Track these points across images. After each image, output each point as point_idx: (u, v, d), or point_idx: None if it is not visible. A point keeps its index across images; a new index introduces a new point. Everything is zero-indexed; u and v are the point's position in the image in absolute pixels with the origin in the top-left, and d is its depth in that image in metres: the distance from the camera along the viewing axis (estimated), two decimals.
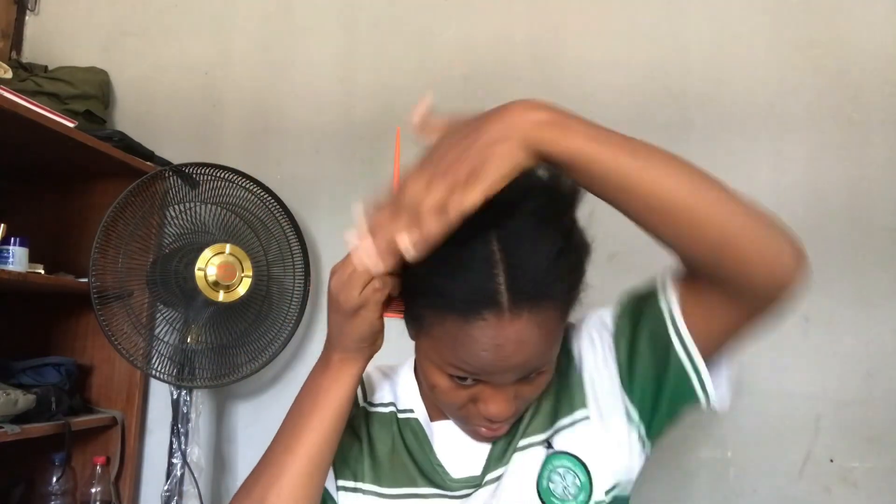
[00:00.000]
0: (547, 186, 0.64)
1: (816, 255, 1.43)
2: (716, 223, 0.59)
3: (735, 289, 0.62)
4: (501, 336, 0.60)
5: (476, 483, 0.74)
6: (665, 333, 0.68)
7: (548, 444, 0.74)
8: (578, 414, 0.74)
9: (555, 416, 0.75)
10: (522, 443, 0.74)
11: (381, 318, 0.66)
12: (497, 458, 0.75)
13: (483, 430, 0.70)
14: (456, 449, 0.76)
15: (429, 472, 0.76)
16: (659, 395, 0.71)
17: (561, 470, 0.72)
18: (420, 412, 0.79)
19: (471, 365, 0.63)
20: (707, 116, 1.50)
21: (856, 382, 1.36)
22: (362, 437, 0.79)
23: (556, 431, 0.74)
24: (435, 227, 0.54)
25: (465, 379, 0.65)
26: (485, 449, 0.75)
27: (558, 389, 0.76)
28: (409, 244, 0.54)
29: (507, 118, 0.59)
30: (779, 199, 1.44)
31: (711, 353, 0.68)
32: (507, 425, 0.71)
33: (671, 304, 0.68)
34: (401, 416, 0.80)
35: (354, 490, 0.76)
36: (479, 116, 0.61)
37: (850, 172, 1.42)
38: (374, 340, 0.68)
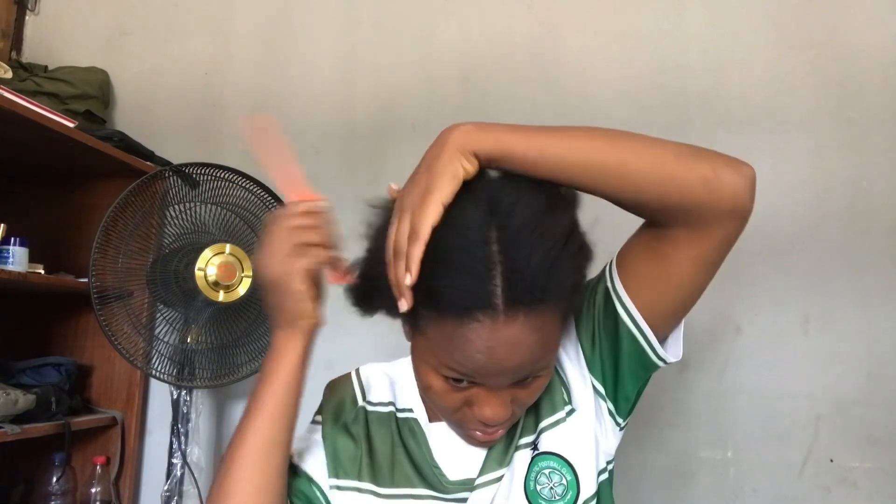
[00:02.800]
0: (546, 191, 0.65)
1: (816, 255, 1.44)
2: (644, 167, 0.63)
3: (686, 222, 0.65)
4: (496, 339, 0.60)
5: (470, 486, 0.74)
6: (613, 308, 0.71)
7: (534, 446, 0.74)
8: (560, 413, 0.75)
9: (538, 417, 0.75)
10: (516, 451, 0.74)
11: (310, 288, 0.67)
12: (494, 462, 0.74)
13: (478, 434, 0.70)
14: (453, 450, 0.76)
15: (426, 473, 0.75)
16: (618, 367, 0.73)
17: (547, 471, 0.72)
18: (419, 412, 0.79)
19: (465, 367, 0.63)
20: (707, 116, 1.50)
21: (856, 383, 1.36)
22: (359, 437, 0.78)
23: (541, 432, 0.74)
24: (414, 251, 0.60)
25: (460, 381, 0.65)
26: (482, 451, 0.75)
27: (544, 392, 0.75)
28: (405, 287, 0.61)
29: (440, 140, 0.65)
30: (779, 199, 1.44)
31: (662, 318, 0.71)
32: (502, 430, 0.71)
33: (615, 281, 0.71)
34: (400, 415, 0.80)
35: (352, 489, 0.76)
36: (422, 159, 0.67)
37: (850, 172, 1.42)
38: (306, 313, 0.68)
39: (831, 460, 1.36)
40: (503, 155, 0.64)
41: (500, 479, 0.73)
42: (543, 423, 0.75)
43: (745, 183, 0.63)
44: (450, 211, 0.62)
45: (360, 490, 0.75)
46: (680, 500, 1.43)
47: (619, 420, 0.77)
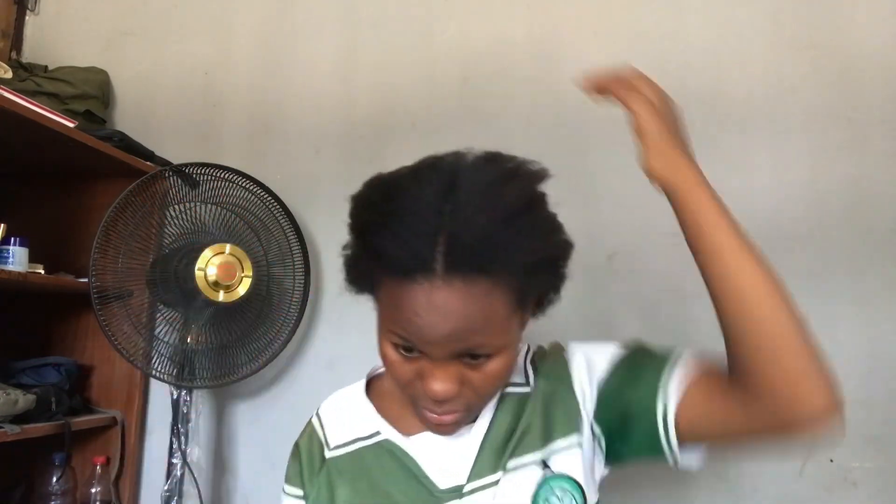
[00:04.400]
0: (510, 168, 0.65)
1: (816, 255, 1.44)
2: (776, 324, 0.64)
3: (756, 393, 0.65)
4: (431, 302, 0.61)
5: (459, 492, 0.73)
6: (651, 407, 0.71)
7: (544, 464, 0.73)
8: (574, 438, 0.74)
9: (549, 435, 0.75)
10: (514, 462, 0.74)
11: None
12: (486, 466, 0.74)
13: (430, 414, 0.70)
14: (439, 458, 0.75)
15: (416, 488, 0.74)
16: (626, 438, 0.74)
17: (559, 492, 0.72)
18: (388, 431, 0.78)
19: (405, 330, 0.64)
20: (707, 116, 1.50)
21: (856, 382, 1.36)
22: (334, 489, 0.78)
23: (554, 452, 0.74)
24: None
25: (409, 350, 0.66)
26: (468, 457, 0.74)
27: (552, 410, 0.76)
28: None
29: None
30: (779, 199, 1.44)
31: (695, 439, 0.71)
32: (455, 415, 0.70)
33: (670, 383, 0.71)
34: (368, 442, 0.78)
35: None
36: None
37: (850, 172, 1.42)
38: None
39: (831, 460, 1.36)
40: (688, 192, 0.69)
41: (496, 483, 0.73)
42: (559, 443, 0.74)
43: (827, 420, 0.64)
44: (412, 178, 0.64)
45: None
46: (680, 500, 1.43)
47: (605, 465, 0.78)
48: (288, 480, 0.82)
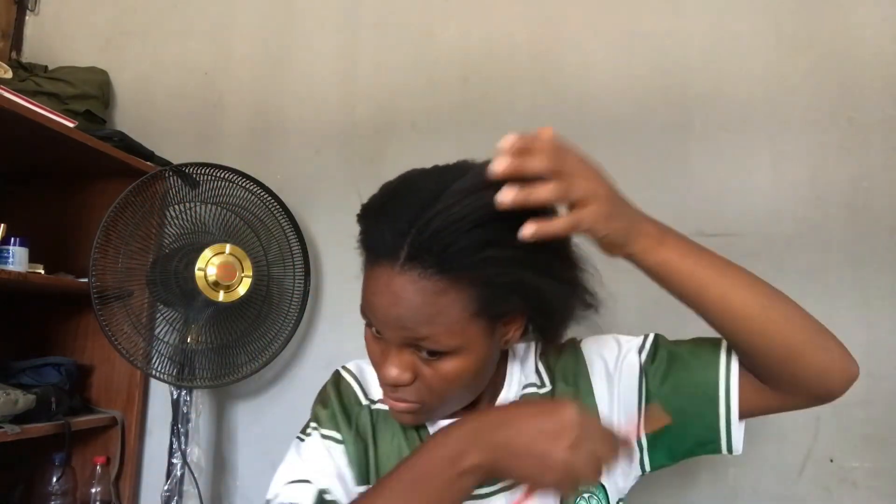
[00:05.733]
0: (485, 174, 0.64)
1: (816, 256, 1.44)
2: (785, 335, 0.67)
3: (790, 388, 0.71)
4: (389, 286, 0.64)
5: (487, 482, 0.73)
6: (713, 394, 0.74)
7: None
8: None
9: None
10: None
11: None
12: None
13: (386, 398, 0.72)
14: None
15: None
16: (679, 438, 0.76)
17: (586, 495, 0.75)
18: None
19: (367, 308, 0.69)
20: (707, 116, 1.50)
21: (856, 383, 1.36)
22: (368, 440, 0.78)
23: None
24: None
25: (373, 327, 0.70)
26: None
27: None
28: None
29: (620, 200, 0.66)
30: (779, 199, 1.44)
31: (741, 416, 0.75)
32: (406, 404, 0.70)
33: (731, 375, 0.74)
34: None
35: None
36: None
37: (850, 172, 1.42)
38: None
39: (831, 460, 1.36)
40: (659, 274, 0.68)
41: (510, 487, 0.73)
42: None
43: (844, 384, 0.71)
44: (426, 174, 0.68)
45: None
46: (680, 500, 1.43)
47: (646, 470, 0.79)
48: (321, 424, 0.79)
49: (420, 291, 0.63)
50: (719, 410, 0.73)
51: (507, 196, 0.59)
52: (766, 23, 1.50)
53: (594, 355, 0.80)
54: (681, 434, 0.75)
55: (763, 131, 1.47)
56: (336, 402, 0.81)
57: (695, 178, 1.47)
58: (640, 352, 0.78)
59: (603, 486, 0.74)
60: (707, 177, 1.47)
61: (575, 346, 0.82)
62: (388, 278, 0.64)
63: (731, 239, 1.42)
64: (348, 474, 0.76)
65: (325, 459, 0.76)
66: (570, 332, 0.80)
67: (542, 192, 0.59)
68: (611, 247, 0.65)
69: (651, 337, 0.80)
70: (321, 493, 0.72)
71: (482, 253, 0.62)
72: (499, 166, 0.59)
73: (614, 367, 0.78)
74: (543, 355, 0.82)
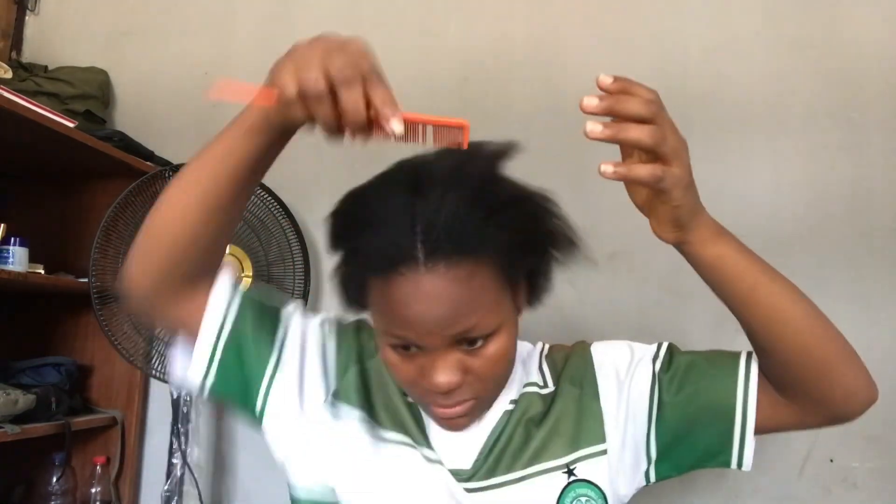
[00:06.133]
0: (471, 149, 0.64)
1: (816, 256, 1.44)
2: (824, 349, 0.66)
3: (814, 405, 0.69)
4: (418, 291, 0.61)
5: (466, 476, 0.73)
6: (730, 405, 0.71)
7: (569, 470, 0.73)
8: (601, 446, 0.74)
9: (576, 442, 0.74)
10: (538, 466, 0.73)
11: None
12: (497, 465, 0.73)
13: (438, 409, 0.69)
14: (450, 437, 0.75)
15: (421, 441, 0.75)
16: (690, 449, 0.74)
17: (583, 499, 0.72)
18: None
19: (398, 325, 0.64)
20: (707, 116, 1.50)
21: None
22: (371, 382, 0.79)
23: (580, 459, 0.73)
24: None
25: (406, 348, 0.66)
26: (476, 444, 0.74)
27: (580, 416, 0.75)
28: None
29: (693, 192, 0.63)
30: (779, 199, 1.44)
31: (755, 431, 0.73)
32: (464, 406, 0.69)
33: (749, 387, 0.72)
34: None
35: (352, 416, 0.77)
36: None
37: (850, 172, 1.42)
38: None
39: (831, 460, 1.36)
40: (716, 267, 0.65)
41: (509, 483, 0.72)
42: (586, 451, 0.74)
43: (864, 407, 0.69)
44: (379, 182, 0.66)
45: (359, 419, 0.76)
46: (680, 500, 1.43)
47: (651, 480, 0.77)
48: (328, 320, 0.82)
49: (453, 282, 0.61)
50: (735, 422, 0.71)
51: (596, 128, 0.56)
52: (766, 23, 1.50)
53: (604, 359, 0.78)
54: (691, 444, 0.73)
55: (763, 131, 1.47)
56: (347, 335, 0.81)
57: (695, 178, 1.47)
58: (654, 360, 0.75)
59: (602, 493, 0.72)
60: (707, 177, 1.46)
61: (585, 349, 0.81)
62: (415, 283, 0.61)
63: None
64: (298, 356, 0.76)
65: (304, 325, 0.79)
66: (575, 320, 0.80)
67: (635, 132, 0.55)
68: (674, 223, 0.61)
69: (665, 346, 0.77)
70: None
71: (491, 221, 0.61)
72: (592, 103, 0.56)
73: (626, 373, 0.75)
74: (549, 357, 0.81)
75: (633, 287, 1.47)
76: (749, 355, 0.73)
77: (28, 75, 1.74)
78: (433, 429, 0.76)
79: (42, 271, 1.52)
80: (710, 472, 1.42)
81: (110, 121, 1.89)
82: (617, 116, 0.56)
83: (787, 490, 1.37)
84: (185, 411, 1.54)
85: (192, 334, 0.72)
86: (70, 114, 1.61)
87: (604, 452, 0.73)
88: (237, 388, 0.75)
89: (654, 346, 0.78)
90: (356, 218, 0.65)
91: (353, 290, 0.69)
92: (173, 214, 0.67)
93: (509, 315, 0.68)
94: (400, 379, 0.70)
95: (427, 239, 0.60)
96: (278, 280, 1.60)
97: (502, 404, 0.76)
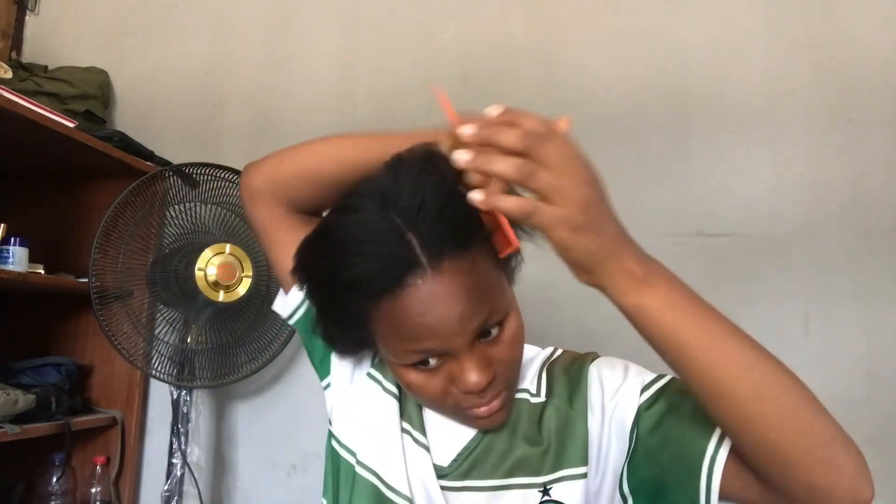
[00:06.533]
0: (428, 147, 0.63)
1: (816, 255, 1.44)
2: (777, 436, 0.55)
3: (781, 493, 0.59)
4: (431, 294, 0.60)
5: (443, 474, 0.73)
6: (697, 466, 0.63)
7: (545, 489, 0.71)
8: (582, 468, 0.71)
9: (558, 462, 0.71)
10: (513, 480, 0.71)
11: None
12: (472, 469, 0.73)
13: (479, 410, 0.67)
14: (445, 430, 0.75)
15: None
16: (662, 497, 0.68)
17: None
18: None
19: (418, 338, 0.62)
20: (707, 116, 1.50)
21: (856, 382, 1.36)
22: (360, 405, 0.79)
23: (558, 480, 0.71)
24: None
25: (427, 363, 0.64)
26: (460, 443, 0.74)
27: (565, 434, 0.72)
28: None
29: (610, 220, 0.56)
30: (779, 199, 1.44)
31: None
32: (501, 398, 0.67)
33: (720, 452, 0.62)
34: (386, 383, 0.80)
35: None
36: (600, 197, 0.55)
37: (850, 172, 1.42)
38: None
39: None
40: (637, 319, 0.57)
41: (484, 490, 0.71)
42: (566, 472, 0.71)
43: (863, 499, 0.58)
44: (343, 209, 0.64)
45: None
46: None
47: None
48: None
49: (462, 274, 0.60)
50: (700, 486, 0.63)
51: (462, 157, 0.54)
52: (766, 23, 1.50)
53: (598, 378, 0.74)
54: (662, 492, 0.68)
55: (763, 131, 1.47)
56: None
57: (695, 178, 1.47)
58: (643, 391, 0.70)
59: None
60: (707, 177, 1.47)
61: (584, 364, 0.77)
62: (425, 289, 0.59)
63: (731, 239, 1.42)
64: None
65: None
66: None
67: (500, 164, 0.52)
68: (577, 268, 0.56)
69: (663, 380, 0.71)
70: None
71: (470, 207, 0.57)
72: (467, 131, 0.54)
73: (610, 397, 0.71)
74: (552, 365, 0.79)
75: None
76: (725, 438, 0.65)
77: (28, 75, 1.74)
78: (429, 416, 0.76)
79: (42, 271, 1.52)
80: None
81: (110, 121, 1.89)
82: (489, 146, 0.53)
83: None
84: (185, 411, 1.54)
85: (273, 244, 0.80)
86: (70, 114, 1.61)
87: (583, 476, 0.70)
88: (315, 340, 0.79)
89: (652, 376, 0.72)
90: (338, 253, 0.60)
91: (354, 327, 0.66)
92: (322, 153, 0.77)
93: (511, 294, 0.68)
94: (428, 398, 0.68)
95: (425, 242, 0.59)
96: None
97: None
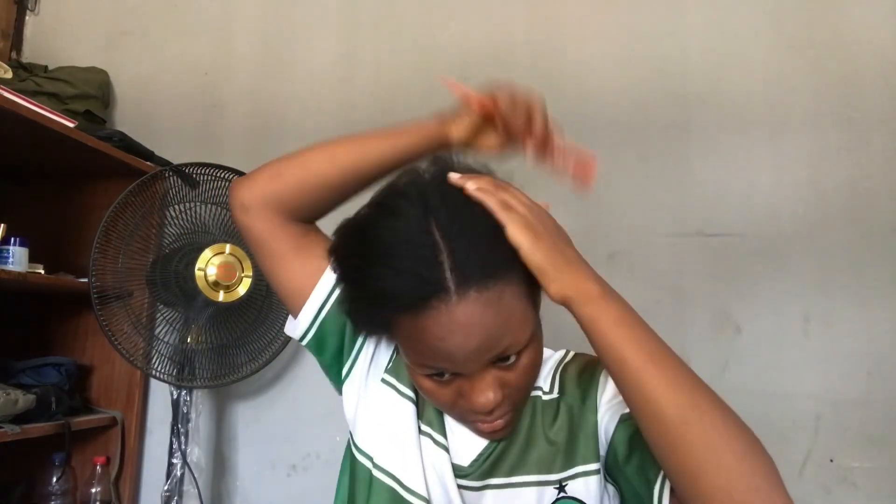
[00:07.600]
0: (472, 173, 0.64)
1: (816, 255, 1.44)
2: (688, 454, 0.57)
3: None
4: (452, 321, 0.60)
5: (463, 474, 0.73)
6: (649, 493, 0.65)
7: (561, 486, 0.72)
8: (595, 465, 0.72)
9: (573, 459, 0.73)
10: (532, 477, 0.72)
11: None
12: (493, 469, 0.73)
13: (481, 425, 0.69)
14: (466, 431, 0.75)
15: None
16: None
17: None
18: None
19: (434, 357, 0.63)
20: (707, 116, 1.50)
21: (856, 382, 1.36)
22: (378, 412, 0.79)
23: (574, 476, 0.72)
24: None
25: (441, 375, 0.66)
26: (480, 443, 0.74)
27: (578, 432, 0.73)
28: None
29: (570, 255, 0.65)
30: (779, 199, 1.44)
31: None
32: (505, 418, 0.69)
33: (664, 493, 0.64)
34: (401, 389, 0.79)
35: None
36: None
37: (850, 172, 1.42)
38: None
39: (831, 460, 1.36)
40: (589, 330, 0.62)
41: (501, 488, 0.72)
42: (580, 468, 0.72)
43: None
44: (384, 212, 0.64)
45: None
46: None
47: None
48: None
49: (486, 305, 0.60)
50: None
51: (469, 185, 0.64)
52: (766, 22, 1.50)
53: (604, 380, 0.76)
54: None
55: (763, 131, 1.47)
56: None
57: (695, 178, 1.47)
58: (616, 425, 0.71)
59: None
60: (707, 177, 1.47)
61: (598, 364, 0.78)
62: (448, 315, 0.60)
63: (731, 239, 1.42)
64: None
65: None
66: None
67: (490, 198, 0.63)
68: (543, 275, 0.61)
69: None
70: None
71: (503, 237, 0.61)
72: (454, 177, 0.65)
73: (608, 400, 0.73)
74: (567, 365, 0.80)
75: (633, 287, 1.46)
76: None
77: (28, 75, 1.74)
78: (449, 418, 0.76)
79: (42, 271, 1.52)
80: None
81: (110, 121, 1.89)
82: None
83: (787, 490, 1.37)
84: (185, 411, 1.55)
85: (274, 258, 0.79)
86: (70, 114, 1.61)
87: (597, 472, 0.72)
88: (329, 353, 0.80)
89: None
90: (371, 257, 0.62)
91: (378, 328, 0.68)
92: (322, 160, 0.78)
93: (536, 324, 0.68)
94: (438, 404, 0.70)
95: (457, 267, 0.59)
96: None
97: None
